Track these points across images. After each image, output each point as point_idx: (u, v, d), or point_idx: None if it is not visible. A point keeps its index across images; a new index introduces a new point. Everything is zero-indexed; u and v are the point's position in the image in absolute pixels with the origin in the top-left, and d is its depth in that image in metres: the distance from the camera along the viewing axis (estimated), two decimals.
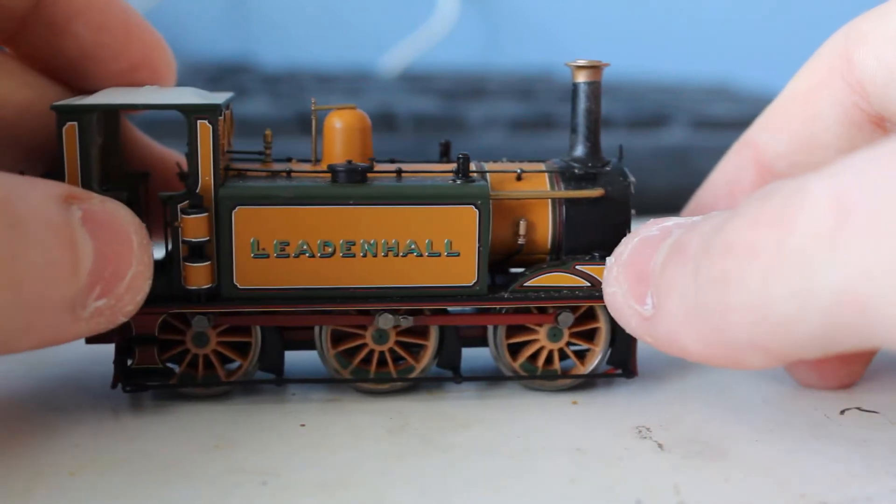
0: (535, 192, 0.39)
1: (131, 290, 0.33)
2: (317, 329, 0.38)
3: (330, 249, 0.36)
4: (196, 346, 0.38)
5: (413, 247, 0.37)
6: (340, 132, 0.39)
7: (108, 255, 0.32)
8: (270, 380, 0.39)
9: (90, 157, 0.35)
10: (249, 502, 0.30)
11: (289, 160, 0.40)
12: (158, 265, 0.39)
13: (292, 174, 0.38)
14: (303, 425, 0.36)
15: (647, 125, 0.85)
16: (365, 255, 0.37)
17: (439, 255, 0.37)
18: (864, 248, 0.25)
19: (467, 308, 0.39)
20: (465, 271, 0.37)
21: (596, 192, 0.39)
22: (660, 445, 0.34)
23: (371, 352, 0.39)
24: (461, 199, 0.37)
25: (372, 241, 0.37)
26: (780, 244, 0.27)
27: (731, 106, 0.94)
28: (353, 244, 0.37)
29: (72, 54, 0.39)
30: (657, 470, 0.33)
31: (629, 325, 0.34)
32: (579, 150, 0.40)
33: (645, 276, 0.33)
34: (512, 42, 1.29)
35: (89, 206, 0.32)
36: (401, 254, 0.37)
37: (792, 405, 0.38)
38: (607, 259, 0.36)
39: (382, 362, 0.39)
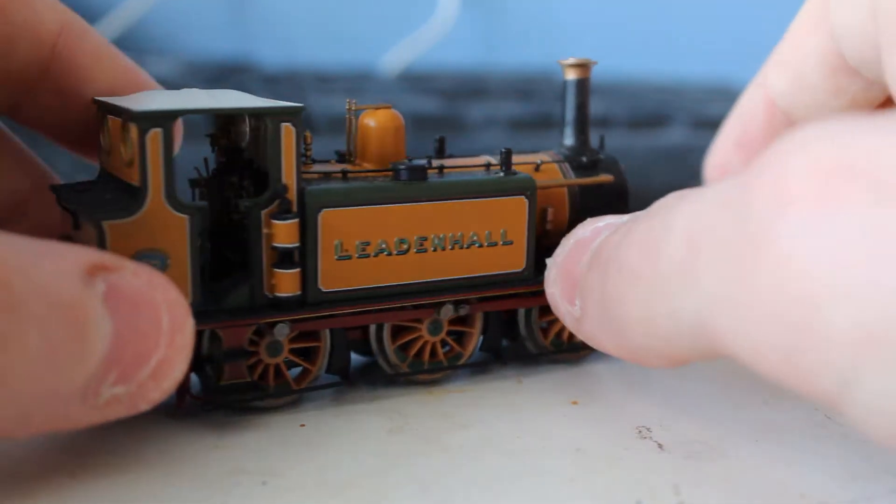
0: (561, 181, 0.42)
1: (157, 378, 0.29)
2: (373, 327, 0.39)
3: (405, 246, 0.37)
4: (270, 356, 0.37)
5: (475, 238, 0.39)
6: (375, 131, 0.39)
7: (129, 337, 0.28)
8: (337, 383, 0.39)
9: (172, 166, 0.33)
10: (249, 502, 0.30)
11: (328, 162, 0.40)
12: (224, 272, 0.36)
13: (349, 175, 0.38)
14: (303, 425, 0.36)
15: (647, 125, 0.85)
16: (435, 250, 0.38)
17: (496, 245, 0.39)
18: (707, 281, 0.27)
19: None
20: (517, 258, 0.40)
21: (607, 178, 0.42)
22: (660, 445, 0.34)
23: (423, 344, 0.40)
24: (514, 191, 0.39)
25: (441, 236, 0.38)
26: (653, 270, 0.29)
27: (731, 106, 0.94)
28: (426, 239, 0.38)
29: (81, 117, 0.39)
30: (657, 470, 0.33)
31: (566, 323, 0.36)
32: (572, 142, 0.43)
33: (574, 279, 0.35)
34: (512, 42, 1.29)
35: (118, 279, 0.29)
36: (465, 245, 0.38)
37: (792, 405, 0.38)
38: (547, 260, 0.37)
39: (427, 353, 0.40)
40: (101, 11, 1.16)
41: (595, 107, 0.89)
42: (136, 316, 0.29)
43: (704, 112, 0.89)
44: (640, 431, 0.36)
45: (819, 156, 0.24)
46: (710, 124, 0.86)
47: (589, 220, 0.37)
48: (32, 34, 0.37)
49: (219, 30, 1.24)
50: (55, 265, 0.27)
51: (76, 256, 0.28)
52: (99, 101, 0.36)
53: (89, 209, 0.33)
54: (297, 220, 0.35)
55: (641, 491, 0.31)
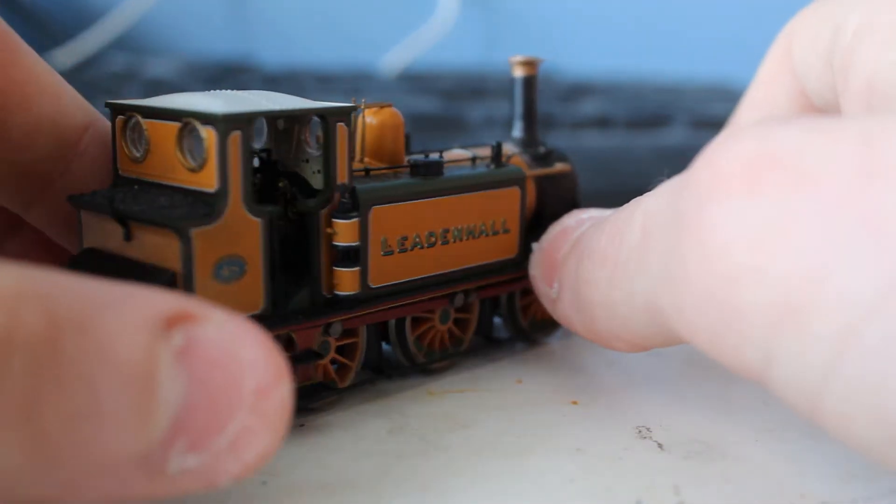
0: (543, 170, 0.44)
1: (236, 449, 0.25)
2: (392, 320, 0.39)
3: (433, 239, 0.39)
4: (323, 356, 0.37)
5: (483, 228, 0.41)
6: (378, 129, 0.40)
7: (201, 401, 0.24)
8: (375, 377, 0.40)
9: (250, 169, 0.32)
10: (249, 502, 0.30)
11: None
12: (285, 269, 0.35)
13: (371, 173, 0.38)
14: (302, 425, 0.36)
15: (647, 125, 0.85)
16: (455, 241, 0.39)
17: (498, 234, 0.41)
18: (653, 264, 0.29)
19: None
20: (511, 245, 0.42)
21: (567, 168, 0.45)
22: (660, 445, 0.34)
23: (433, 334, 0.41)
24: (510, 182, 0.41)
25: (459, 227, 0.40)
26: (616, 256, 0.32)
27: (731, 106, 0.94)
28: (448, 231, 0.39)
29: None
30: (657, 470, 0.33)
31: (544, 304, 0.39)
32: (521, 135, 0.45)
33: (554, 264, 0.38)
34: (512, 42, 1.29)
35: (200, 332, 0.25)
36: (476, 235, 0.40)
37: None
38: (533, 244, 0.40)
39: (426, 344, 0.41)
40: (102, 11, 1.16)
41: (595, 107, 0.89)
42: (214, 376, 0.24)
43: (704, 112, 0.89)
44: (640, 431, 0.36)
45: (745, 147, 0.26)
46: (710, 124, 0.86)
47: (575, 210, 0.40)
48: (56, 129, 0.35)
49: (219, 30, 1.24)
50: (123, 317, 0.24)
51: (154, 305, 0.24)
52: (122, 103, 0.34)
53: (165, 217, 0.31)
54: (358, 219, 0.35)
55: (641, 491, 0.31)
